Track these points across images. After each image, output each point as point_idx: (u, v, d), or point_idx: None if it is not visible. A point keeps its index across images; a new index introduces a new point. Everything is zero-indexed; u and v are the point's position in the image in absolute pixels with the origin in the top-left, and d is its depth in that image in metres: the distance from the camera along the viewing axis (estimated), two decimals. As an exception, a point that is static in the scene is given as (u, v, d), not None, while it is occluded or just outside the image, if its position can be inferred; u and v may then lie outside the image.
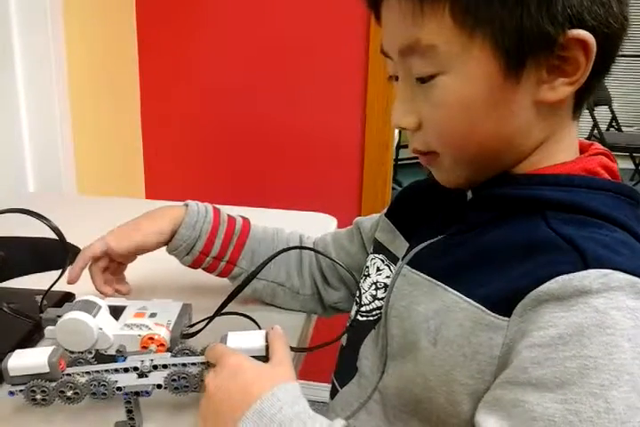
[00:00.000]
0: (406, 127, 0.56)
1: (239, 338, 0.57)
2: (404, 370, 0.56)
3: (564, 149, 0.55)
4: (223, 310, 0.64)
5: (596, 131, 3.90)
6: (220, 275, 0.79)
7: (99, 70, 1.52)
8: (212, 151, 1.76)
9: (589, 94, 0.55)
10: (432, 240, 0.59)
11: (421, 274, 0.57)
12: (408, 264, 0.60)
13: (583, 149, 0.58)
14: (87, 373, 0.57)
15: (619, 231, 0.50)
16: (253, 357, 0.55)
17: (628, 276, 0.45)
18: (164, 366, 0.57)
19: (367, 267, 0.68)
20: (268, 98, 1.69)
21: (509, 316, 0.47)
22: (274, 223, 0.84)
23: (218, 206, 0.80)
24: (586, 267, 0.45)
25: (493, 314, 0.48)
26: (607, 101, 4.13)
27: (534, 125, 0.53)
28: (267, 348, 0.56)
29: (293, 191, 1.73)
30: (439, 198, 0.62)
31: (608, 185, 0.54)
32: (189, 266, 0.78)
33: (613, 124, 4.33)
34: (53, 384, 0.55)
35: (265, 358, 0.55)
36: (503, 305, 0.48)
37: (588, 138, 4.01)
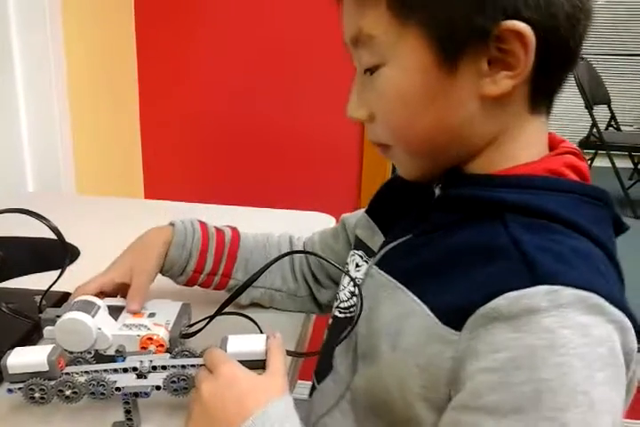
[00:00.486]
0: (359, 118, 0.56)
1: (240, 342, 0.57)
2: (370, 371, 0.56)
3: (523, 146, 0.53)
4: (223, 311, 0.65)
5: (594, 130, 3.90)
6: (217, 288, 0.77)
7: (97, 70, 1.52)
8: (211, 151, 1.76)
9: (549, 90, 0.53)
10: (400, 240, 0.58)
11: (387, 275, 0.56)
12: (377, 264, 0.59)
13: (553, 146, 0.56)
14: (86, 372, 0.57)
15: (577, 237, 0.49)
16: (253, 361, 0.55)
17: (577, 291, 0.44)
18: (164, 368, 0.57)
19: (347, 263, 0.67)
20: (266, 98, 1.69)
21: (460, 330, 0.46)
22: (273, 223, 0.84)
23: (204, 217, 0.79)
24: (535, 282, 0.44)
25: (445, 327, 0.47)
26: (606, 100, 4.13)
27: (480, 119, 0.51)
28: (267, 352, 0.56)
29: (292, 191, 1.73)
30: (414, 194, 0.61)
31: (572, 186, 0.52)
32: (184, 285, 0.77)
33: (612, 123, 4.33)
34: (52, 383, 0.55)
35: (264, 363, 0.55)
36: (454, 318, 0.47)
37: (588, 137, 4.01)
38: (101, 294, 0.69)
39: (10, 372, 0.55)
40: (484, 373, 0.44)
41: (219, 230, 0.78)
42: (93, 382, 0.56)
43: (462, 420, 0.45)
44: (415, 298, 0.51)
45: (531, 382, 0.42)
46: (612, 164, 3.74)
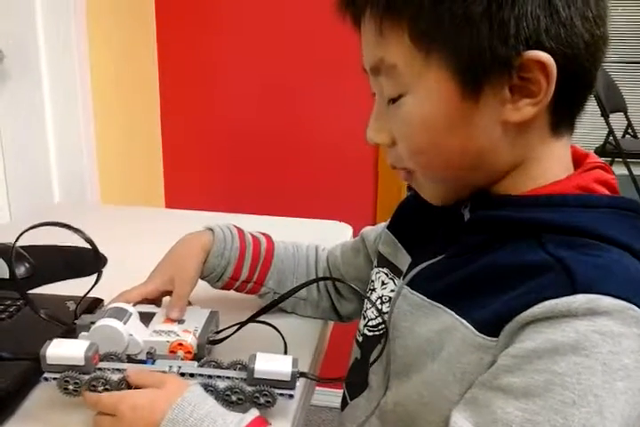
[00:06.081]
0: (380, 143, 0.57)
1: (267, 361, 0.58)
2: (404, 387, 0.57)
3: (547, 167, 0.54)
4: (248, 319, 0.66)
5: (611, 138, 3.88)
6: (249, 293, 0.79)
7: (121, 84, 1.56)
8: (230, 161, 1.79)
9: (570, 115, 0.53)
10: (431, 261, 0.59)
11: (421, 296, 0.57)
12: (408, 285, 0.60)
13: (580, 161, 0.57)
14: (118, 370, 0.59)
15: (615, 250, 0.49)
16: (279, 380, 0.56)
17: (616, 301, 0.44)
18: (191, 375, 0.59)
19: (372, 281, 0.68)
20: (286, 109, 1.72)
21: (497, 336, 0.48)
22: (292, 232, 0.86)
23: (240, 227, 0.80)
24: (574, 291, 0.45)
25: (482, 335, 0.49)
26: (622, 108, 4.11)
27: (503, 145, 0.52)
28: (293, 375, 0.57)
29: (310, 200, 1.75)
30: (438, 213, 0.61)
31: (604, 201, 0.53)
32: (220, 289, 0.79)
33: (629, 130, 4.31)
34: (86, 377, 0.58)
35: (289, 384, 0.57)
36: (493, 327, 0.48)
37: (604, 145, 3.99)
38: (146, 300, 0.71)
39: (48, 362, 0.57)
40: (507, 357, 0.47)
41: (255, 238, 0.79)
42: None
43: (478, 396, 0.48)
44: (454, 314, 0.52)
45: (545, 372, 0.44)
46: (629, 171, 3.72)
